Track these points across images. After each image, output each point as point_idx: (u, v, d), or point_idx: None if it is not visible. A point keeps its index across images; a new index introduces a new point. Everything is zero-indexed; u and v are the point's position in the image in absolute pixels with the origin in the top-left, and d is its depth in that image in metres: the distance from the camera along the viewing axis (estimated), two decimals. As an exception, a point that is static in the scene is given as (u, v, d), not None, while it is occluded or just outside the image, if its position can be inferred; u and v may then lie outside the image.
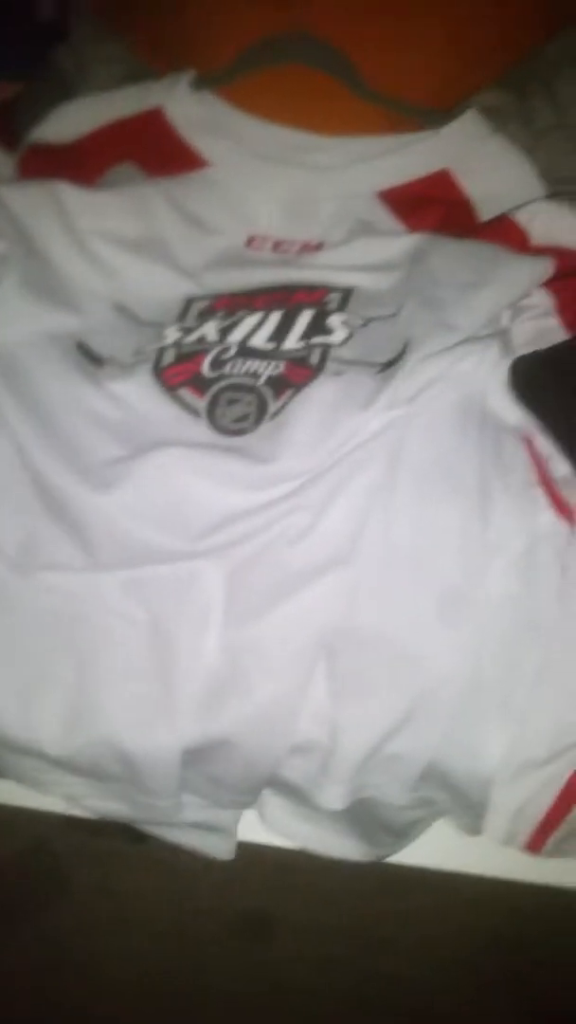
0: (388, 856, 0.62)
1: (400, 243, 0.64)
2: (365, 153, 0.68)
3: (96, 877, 1.09)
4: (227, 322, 0.62)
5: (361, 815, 0.58)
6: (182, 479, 0.56)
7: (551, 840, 0.54)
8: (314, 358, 0.59)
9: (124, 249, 0.65)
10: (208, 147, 0.69)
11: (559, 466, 0.56)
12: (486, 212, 0.66)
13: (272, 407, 0.58)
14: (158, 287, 0.65)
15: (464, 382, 0.58)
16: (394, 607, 0.54)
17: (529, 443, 0.57)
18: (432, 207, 0.66)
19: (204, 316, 0.63)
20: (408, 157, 0.67)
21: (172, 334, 0.62)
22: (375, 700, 0.53)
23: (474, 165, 0.66)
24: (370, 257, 0.64)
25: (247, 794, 0.58)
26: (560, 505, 0.55)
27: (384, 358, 0.58)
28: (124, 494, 0.55)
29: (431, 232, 0.64)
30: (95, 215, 0.65)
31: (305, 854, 0.62)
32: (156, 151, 0.69)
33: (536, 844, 0.54)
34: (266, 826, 0.62)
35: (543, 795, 0.53)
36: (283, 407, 0.58)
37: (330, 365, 0.58)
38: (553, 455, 0.56)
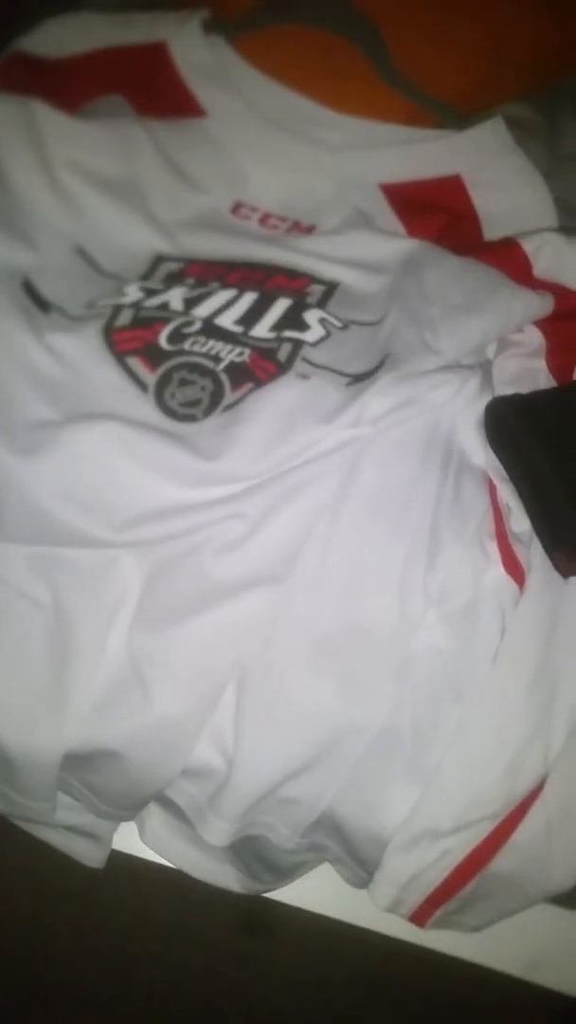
0: (267, 892, 0.58)
1: (396, 245, 0.59)
2: (378, 139, 0.63)
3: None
4: (196, 292, 0.56)
5: (245, 848, 0.54)
6: (113, 459, 0.50)
7: (438, 914, 0.51)
8: (282, 353, 0.54)
9: (96, 187, 0.59)
10: (209, 96, 0.63)
11: (519, 521, 0.52)
12: (492, 230, 0.61)
13: (228, 397, 0.53)
14: (127, 236, 0.59)
15: (435, 411, 0.53)
16: (318, 642, 0.49)
17: (492, 489, 0.53)
18: (436, 213, 0.61)
19: (172, 280, 0.57)
20: (422, 153, 0.62)
21: (132, 292, 0.56)
22: (281, 738, 0.49)
23: (489, 177, 0.62)
24: (362, 253, 0.59)
25: (128, 809, 0.53)
26: (511, 563, 0.51)
27: (356, 369, 0.53)
28: (45, 464, 0.49)
29: (430, 240, 0.59)
30: (71, 143, 0.58)
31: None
32: (151, 88, 0.62)
33: (421, 917, 0.51)
34: (144, 842, 0.57)
35: (438, 867, 0.49)
36: (239, 400, 0.52)
37: (298, 365, 0.53)
38: (515, 508, 0.52)
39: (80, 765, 0.49)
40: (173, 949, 1.00)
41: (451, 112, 0.62)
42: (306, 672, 0.49)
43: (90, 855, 0.58)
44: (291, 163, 0.62)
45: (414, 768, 0.50)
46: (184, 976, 0.99)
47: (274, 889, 0.58)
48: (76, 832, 0.57)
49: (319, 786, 0.50)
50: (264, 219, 0.62)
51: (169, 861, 0.57)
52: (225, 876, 0.58)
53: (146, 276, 0.57)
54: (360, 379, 0.52)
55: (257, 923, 0.94)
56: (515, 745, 0.49)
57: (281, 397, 0.52)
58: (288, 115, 0.62)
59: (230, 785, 0.49)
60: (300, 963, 0.96)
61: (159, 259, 0.59)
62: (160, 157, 0.60)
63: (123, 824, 0.59)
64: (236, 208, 0.62)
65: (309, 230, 0.61)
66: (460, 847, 0.49)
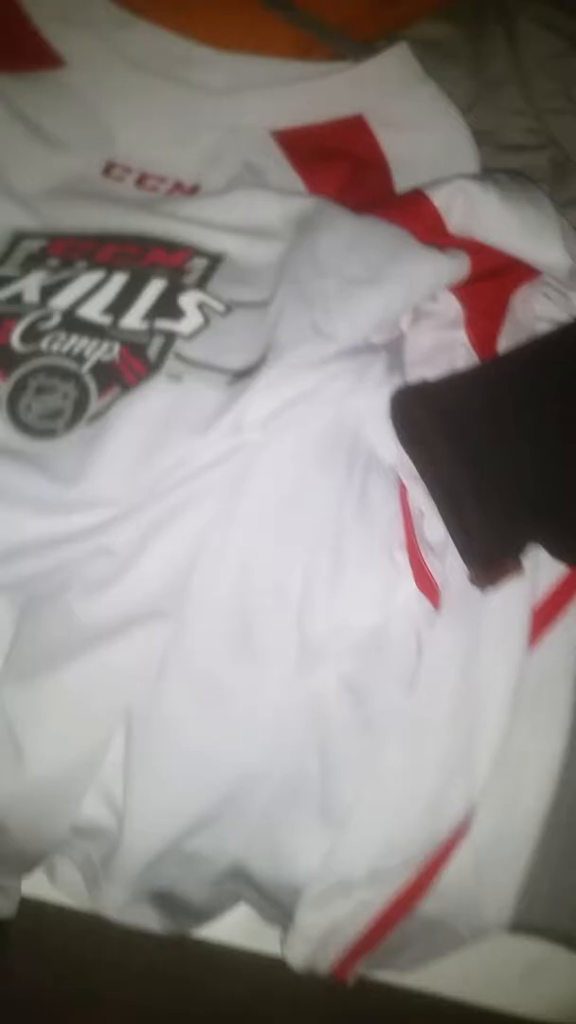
0: (191, 929, 0.54)
1: (289, 205, 0.51)
2: (265, 78, 0.54)
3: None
4: (56, 278, 0.49)
5: (156, 894, 0.50)
6: None
7: (359, 965, 0.46)
8: (153, 349, 0.46)
9: None
10: (66, 42, 0.54)
11: (433, 528, 0.45)
12: (404, 178, 0.53)
13: (93, 405, 0.46)
14: None
15: (334, 403, 0.46)
16: (208, 681, 0.44)
17: (402, 490, 0.46)
18: (339, 161, 0.53)
19: (31, 263, 0.50)
20: (317, 91, 0.54)
21: None
22: (176, 791, 0.44)
23: (397, 115, 0.53)
24: (250, 216, 0.51)
25: (22, 868, 0.49)
26: (424, 579, 0.44)
27: (239, 363, 0.46)
28: None
29: (332, 196, 0.51)
30: None
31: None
32: (-1, 37, 0.53)
33: (341, 972, 0.46)
34: (54, 886, 0.53)
35: (355, 921, 0.44)
36: (105, 410, 0.45)
37: (169, 364, 0.46)
38: (428, 513, 0.45)
39: None
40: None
41: (348, 40, 0.53)
42: (198, 716, 0.44)
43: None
44: (167, 113, 0.54)
45: (325, 811, 0.44)
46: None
47: (198, 927, 0.53)
48: None
49: (222, 839, 0.44)
50: (141, 179, 0.54)
51: (84, 905, 0.53)
52: (145, 916, 0.53)
53: (2, 258, 0.50)
54: (243, 376, 0.45)
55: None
56: (435, 782, 0.44)
57: (149, 404, 0.45)
58: (159, 57, 0.54)
59: (122, 847, 0.44)
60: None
61: (18, 236, 0.51)
62: (12, 117, 0.52)
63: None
64: (108, 169, 0.54)
65: (193, 190, 0.53)
66: (378, 897, 0.44)
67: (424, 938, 0.46)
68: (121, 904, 0.45)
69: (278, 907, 0.47)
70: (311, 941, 0.45)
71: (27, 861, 0.47)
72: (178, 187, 0.53)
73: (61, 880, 0.52)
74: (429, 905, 0.44)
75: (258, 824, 0.44)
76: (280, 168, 0.53)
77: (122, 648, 0.43)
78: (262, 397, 0.44)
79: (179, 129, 0.54)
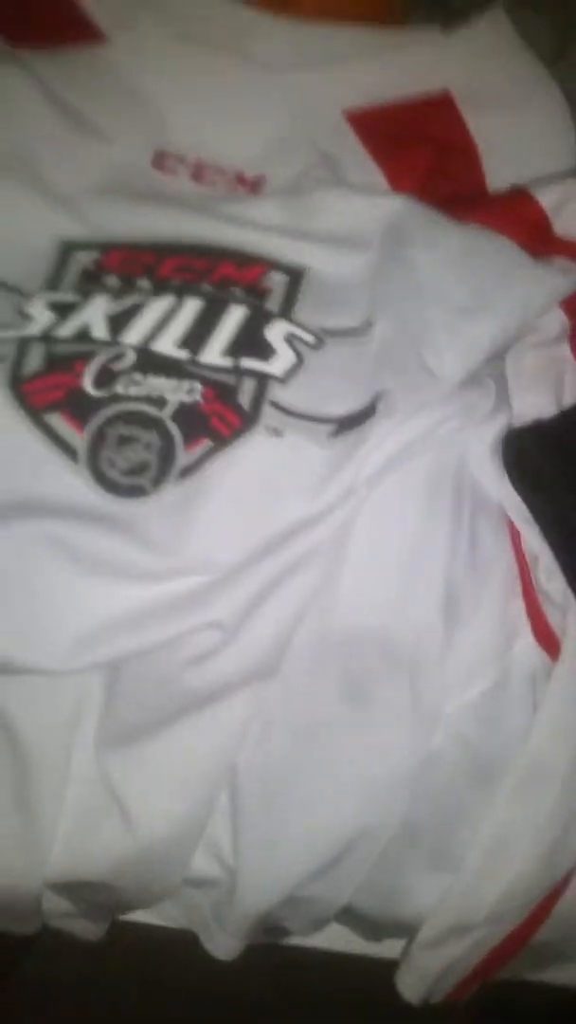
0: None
1: (376, 207, 0.45)
2: (336, 50, 0.47)
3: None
4: (121, 305, 0.44)
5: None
6: (52, 569, 0.40)
7: (474, 987, 0.47)
8: (244, 396, 0.42)
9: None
10: (108, 14, 0.47)
11: (549, 574, 0.43)
12: (494, 165, 0.47)
13: (181, 458, 0.42)
14: (19, 223, 0.46)
15: (440, 446, 0.43)
16: (318, 740, 0.42)
17: (515, 535, 0.43)
18: (421, 146, 0.47)
19: (88, 281, 0.45)
20: (397, 64, 0.47)
21: (40, 314, 0.43)
22: (287, 849, 0.42)
23: (487, 92, 0.47)
24: (332, 219, 0.45)
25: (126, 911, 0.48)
26: (542, 629, 0.43)
27: (341, 410, 0.42)
28: None
29: (419, 186, 0.46)
30: None
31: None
32: (28, 9, 0.46)
33: (457, 996, 0.47)
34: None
35: (471, 957, 0.44)
36: (198, 464, 0.42)
37: (267, 415, 0.42)
38: (544, 558, 0.43)
39: (64, 891, 0.44)
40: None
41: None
42: (310, 777, 0.42)
43: (89, 932, 0.54)
44: (224, 92, 0.47)
45: (437, 857, 0.44)
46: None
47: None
48: (75, 915, 0.53)
49: (335, 888, 0.44)
50: (197, 171, 0.48)
51: (164, 922, 0.53)
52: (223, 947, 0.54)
53: (53, 279, 0.45)
54: (347, 425, 0.41)
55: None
56: (554, 830, 0.43)
57: (251, 464, 0.41)
58: (214, 29, 0.47)
59: (235, 901, 0.43)
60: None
61: (68, 248, 0.46)
62: (49, 103, 0.46)
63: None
64: (159, 159, 0.48)
65: (256, 183, 0.47)
66: (494, 935, 0.44)
67: (531, 959, 0.47)
68: (234, 949, 0.45)
69: (380, 937, 0.48)
70: (427, 980, 0.45)
71: (131, 910, 0.47)
72: (240, 180, 0.47)
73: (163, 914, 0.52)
74: (544, 934, 0.45)
75: (371, 870, 0.44)
76: (355, 156, 0.47)
77: (226, 708, 0.41)
78: (378, 451, 0.41)
79: (239, 111, 0.47)
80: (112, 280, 0.45)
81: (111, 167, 0.47)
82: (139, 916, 0.52)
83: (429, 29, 0.47)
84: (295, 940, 0.54)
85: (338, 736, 0.42)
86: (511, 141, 0.47)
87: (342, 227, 0.45)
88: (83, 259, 0.45)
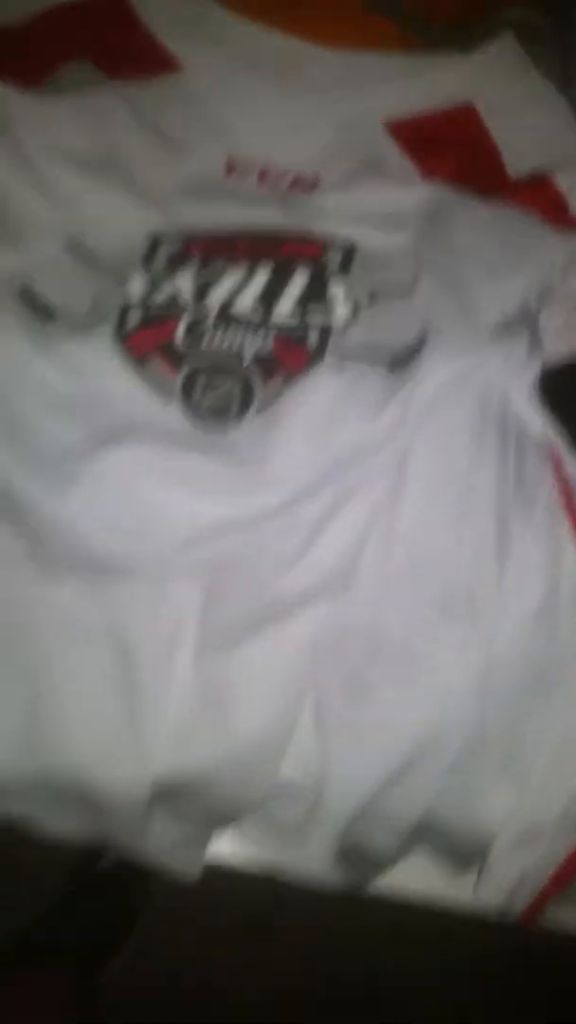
0: (368, 884, 0.58)
1: (414, 193, 0.54)
2: (374, 72, 0.57)
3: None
4: (204, 276, 0.51)
5: (344, 849, 0.53)
6: (152, 483, 0.46)
7: (546, 911, 0.50)
8: (312, 339, 0.49)
9: (78, 170, 0.53)
10: (181, 47, 0.56)
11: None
12: (514, 164, 0.56)
13: (259, 394, 0.49)
14: (119, 218, 0.54)
15: (484, 384, 0.49)
16: (395, 645, 0.47)
17: (556, 461, 0.50)
18: (450, 149, 0.56)
19: (175, 263, 0.53)
20: (428, 82, 0.56)
21: (138, 286, 0.51)
22: (369, 749, 0.47)
23: (505, 102, 0.56)
24: (378, 206, 0.54)
25: (222, 822, 0.52)
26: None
27: (396, 348, 0.49)
28: (82, 497, 0.46)
29: (449, 180, 0.54)
30: (43, 127, 0.53)
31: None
32: (118, 47, 0.56)
33: (531, 917, 0.50)
34: (240, 844, 0.56)
35: (544, 867, 0.48)
36: (274, 399, 0.48)
37: (331, 354, 0.49)
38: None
39: (168, 793, 0.48)
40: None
41: (446, 33, 0.56)
42: (383, 683, 0.47)
43: (187, 869, 0.57)
44: (283, 109, 0.56)
45: (508, 764, 0.48)
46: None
47: (374, 882, 0.57)
48: (174, 850, 0.56)
49: (415, 794, 0.48)
50: (262, 175, 0.56)
51: (265, 862, 0.56)
52: (321, 872, 0.57)
53: (147, 260, 0.53)
54: (400, 362, 0.48)
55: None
56: None
57: (319, 394, 0.48)
58: (273, 57, 0.56)
59: (321, 807, 0.47)
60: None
61: (157, 239, 0.54)
62: (138, 123, 0.55)
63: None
64: (230, 168, 0.56)
65: (313, 184, 0.56)
66: (567, 842, 0.48)
67: None
68: (320, 862, 0.48)
69: (461, 856, 0.51)
70: (504, 889, 0.48)
71: (224, 820, 0.51)
72: (298, 181, 0.56)
73: (242, 834, 0.56)
74: None
75: (448, 777, 0.48)
76: (394, 158, 0.56)
77: (308, 618, 0.46)
78: (429, 379, 0.47)
79: (296, 124, 0.56)
80: (195, 262, 0.53)
81: (190, 174, 0.55)
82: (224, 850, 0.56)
83: (450, 53, 0.57)
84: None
85: (406, 646, 0.47)
86: (528, 142, 0.55)
87: (386, 210, 0.53)
88: (170, 249, 0.53)
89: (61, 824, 0.51)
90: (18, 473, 0.46)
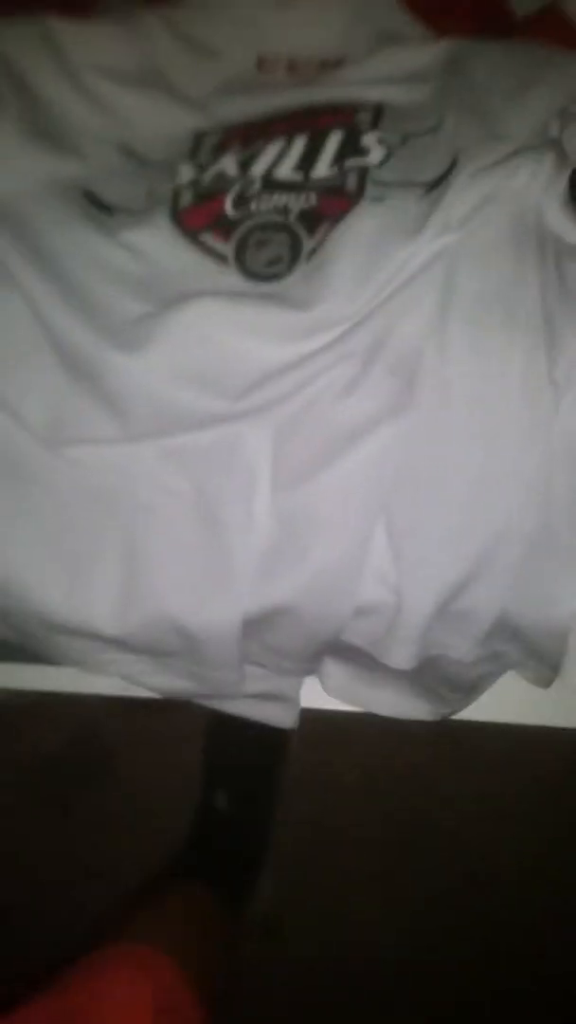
0: (455, 713, 0.60)
1: (432, 50, 0.57)
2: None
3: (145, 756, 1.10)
4: (246, 154, 0.56)
5: (426, 674, 0.56)
6: (216, 333, 0.51)
7: None
8: (351, 184, 0.53)
9: (124, 84, 0.59)
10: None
11: None
12: (522, 4, 0.58)
13: (307, 245, 0.53)
14: (164, 123, 0.59)
15: (517, 200, 0.52)
16: (455, 456, 0.50)
17: None
18: (459, 5, 0.59)
19: (219, 150, 0.57)
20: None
21: (186, 173, 0.56)
22: (439, 555, 0.50)
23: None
24: (400, 67, 0.57)
25: (310, 660, 0.56)
26: None
27: (429, 176, 0.52)
28: (154, 354, 0.51)
29: (462, 36, 0.57)
30: (90, 49, 0.58)
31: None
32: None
33: None
34: (328, 694, 0.60)
35: None
36: (320, 244, 0.52)
37: (369, 190, 0.52)
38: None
39: (257, 628, 0.52)
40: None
41: None
42: (447, 492, 0.50)
43: (283, 717, 0.60)
44: (302, 2, 0.60)
45: None
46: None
47: (461, 710, 0.59)
48: (265, 698, 0.60)
49: (488, 593, 0.51)
50: (291, 66, 0.61)
51: (355, 706, 0.59)
52: (411, 708, 0.59)
53: (193, 154, 0.58)
54: (435, 186, 0.52)
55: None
56: None
57: (360, 226, 0.51)
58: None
59: (402, 613, 0.50)
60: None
61: (200, 135, 0.59)
62: (175, 37, 0.60)
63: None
64: (261, 64, 0.61)
65: (338, 63, 0.60)
66: None
67: None
68: (411, 655, 0.51)
69: (542, 656, 0.53)
70: None
71: (316, 648, 0.54)
72: (325, 64, 0.60)
73: (333, 687, 0.59)
74: None
75: (518, 577, 0.50)
76: (410, 26, 0.59)
77: (371, 445, 0.49)
78: (461, 196, 0.50)
79: (315, 13, 0.60)
80: (236, 146, 0.57)
81: (225, 75, 0.60)
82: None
83: None
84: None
85: (466, 453, 0.50)
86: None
87: (408, 70, 0.57)
88: (212, 140, 0.58)
89: (164, 677, 0.56)
90: (92, 341, 0.51)
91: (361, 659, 0.54)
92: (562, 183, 0.51)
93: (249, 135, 0.57)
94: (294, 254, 0.53)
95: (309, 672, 0.58)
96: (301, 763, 1.00)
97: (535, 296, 0.50)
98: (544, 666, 0.54)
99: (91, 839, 1.13)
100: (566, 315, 0.50)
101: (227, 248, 0.53)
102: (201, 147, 0.58)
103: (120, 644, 0.52)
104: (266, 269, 0.53)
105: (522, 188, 0.51)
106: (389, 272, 0.50)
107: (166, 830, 0.98)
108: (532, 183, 0.52)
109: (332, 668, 0.58)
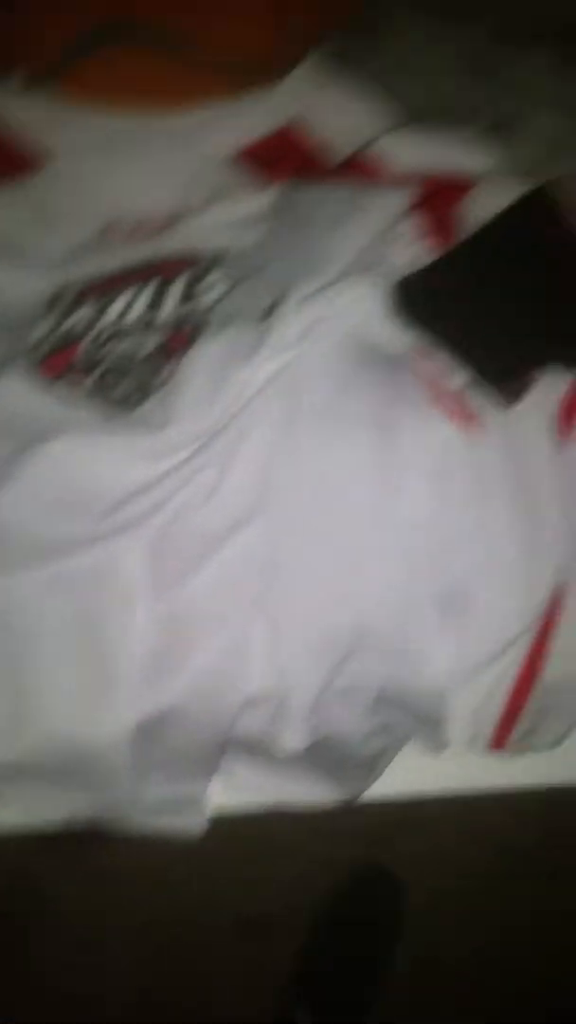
0: (360, 794, 0.60)
1: (262, 197, 0.63)
2: (211, 120, 0.67)
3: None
4: (101, 303, 0.60)
5: (325, 755, 0.56)
6: (79, 463, 0.53)
7: (513, 736, 0.54)
8: (193, 319, 0.57)
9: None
10: (49, 145, 0.68)
11: (453, 380, 0.55)
12: (343, 155, 0.66)
13: (157, 379, 0.56)
14: (20, 289, 0.63)
15: (346, 317, 0.56)
16: (315, 545, 0.53)
17: (417, 365, 0.56)
18: (288, 158, 0.66)
19: (76, 304, 0.61)
20: (254, 115, 0.67)
21: (43, 327, 0.60)
22: (315, 638, 0.53)
23: (321, 111, 0.66)
24: (234, 215, 0.63)
25: (208, 760, 0.56)
26: (462, 413, 0.54)
27: (264, 306, 0.56)
28: (21, 487, 0.53)
29: (290, 181, 0.64)
30: None
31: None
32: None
33: (499, 742, 0.54)
34: (233, 789, 0.59)
35: (496, 693, 0.54)
36: (171, 375, 0.56)
37: (212, 323, 0.57)
38: (444, 371, 0.55)
39: (152, 735, 0.52)
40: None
41: (269, 70, 0.67)
42: (313, 580, 0.53)
43: (192, 824, 0.60)
44: (142, 172, 0.67)
45: (443, 618, 0.54)
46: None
47: (365, 789, 0.59)
48: (171, 807, 0.59)
49: (366, 666, 0.53)
50: (138, 228, 0.66)
51: (260, 798, 0.59)
52: (314, 792, 0.58)
53: (51, 308, 0.62)
54: (269, 314, 0.56)
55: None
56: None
57: (204, 354, 0.55)
58: (125, 132, 0.67)
59: (289, 697, 0.53)
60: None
61: (56, 295, 0.63)
62: (25, 211, 0.66)
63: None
64: (110, 230, 0.66)
65: (182, 216, 0.65)
66: (507, 669, 0.54)
67: (559, 706, 0.55)
68: (303, 733, 0.53)
69: (428, 720, 0.55)
70: (467, 719, 0.54)
71: (211, 748, 0.54)
72: (169, 220, 0.66)
73: (237, 779, 0.58)
74: (552, 672, 0.54)
75: (390, 644, 0.53)
76: (245, 180, 0.66)
77: (238, 544, 0.53)
78: (290, 321, 0.54)
79: (158, 180, 0.66)
80: (91, 301, 0.62)
81: (77, 241, 0.66)
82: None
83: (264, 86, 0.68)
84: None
85: (329, 536, 0.53)
86: (348, 136, 0.65)
87: (242, 215, 0.63)
88: (70, 293, 0.62)
89: (63, 804, 0.56)
90: None
91: (260, 747, 0.55)
92: (382, 299, 0.57)
93: (105, 288, 0.62)
94: (147, 387, 0.56)
95: (211, 772, 0.58)
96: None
97: (371, 397, 0.54)
98: (432, 730, 0.55)
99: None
100: (401, 411, 0.54)
101: (83, 390, 0.57)
102: (59, 302, 0.62)
103: (13, 771, 0.52)
104: (122, 403, 0.56)
105: (347, 307, 0.56)
106: (234, 391, 0.54)
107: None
108: (356, 303, 0.57)
109: (233, 763, 0.58)
